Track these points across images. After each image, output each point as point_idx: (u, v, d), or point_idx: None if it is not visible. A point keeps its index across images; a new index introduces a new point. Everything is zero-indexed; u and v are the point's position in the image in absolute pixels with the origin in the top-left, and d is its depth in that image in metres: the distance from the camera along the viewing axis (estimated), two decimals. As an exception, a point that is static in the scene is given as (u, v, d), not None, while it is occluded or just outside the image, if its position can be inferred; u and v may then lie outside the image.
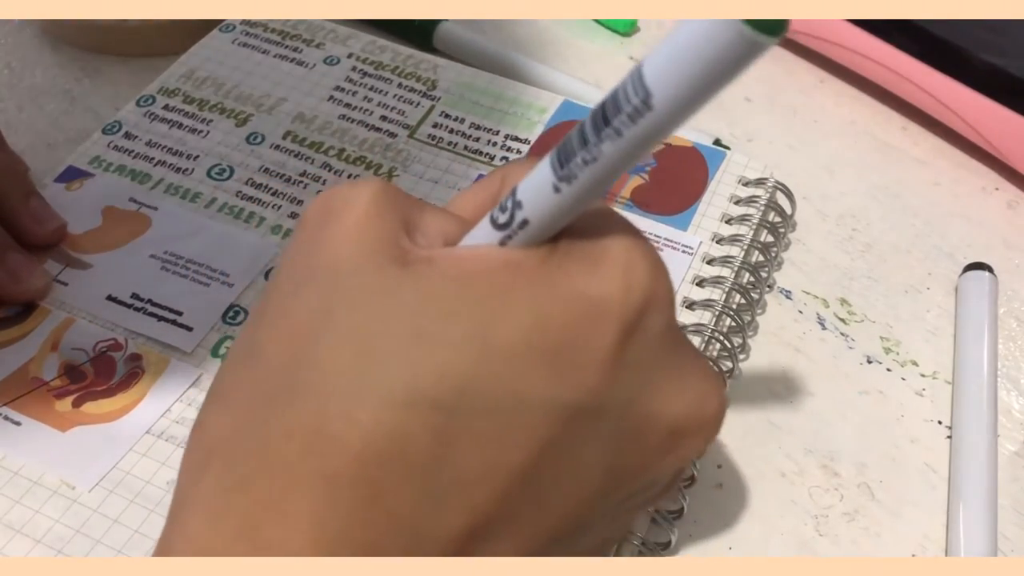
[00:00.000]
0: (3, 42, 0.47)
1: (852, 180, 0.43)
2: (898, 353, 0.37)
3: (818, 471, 0.33)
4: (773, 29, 0.17)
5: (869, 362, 0.36)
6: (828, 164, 0.44)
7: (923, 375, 0.36)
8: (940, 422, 0.35)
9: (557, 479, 0.22)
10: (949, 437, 0.34)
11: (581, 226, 0.22)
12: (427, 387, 0.20)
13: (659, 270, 0.22)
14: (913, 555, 0.31)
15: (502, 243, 0.22)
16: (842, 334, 0.37)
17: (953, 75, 0.43)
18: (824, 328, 0.37)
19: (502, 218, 0.22)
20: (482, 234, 0.23)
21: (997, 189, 0.43)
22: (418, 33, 0.47)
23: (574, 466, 0.22)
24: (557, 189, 0.21)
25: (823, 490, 0.32)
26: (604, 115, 0.19)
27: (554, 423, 0.21)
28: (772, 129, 0.45)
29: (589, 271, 0.22)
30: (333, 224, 0.22)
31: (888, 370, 0.36)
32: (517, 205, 0.22)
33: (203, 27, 0.45)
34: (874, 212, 0.42)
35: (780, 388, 0.35)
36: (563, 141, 0.21)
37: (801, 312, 0.38)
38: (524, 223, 0.22)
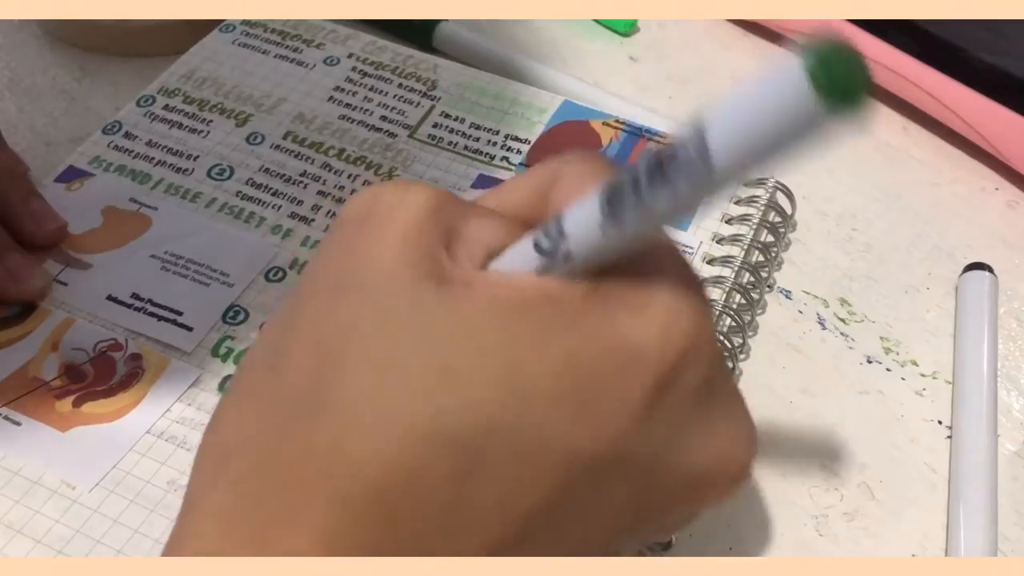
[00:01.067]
0: (3, 42, 0.47)
1: (852, 180, 0.43)
2: (898, 353, 0.37)
3: (818, 471, 0.33)
4: (846, 94, 0.16)
5: (869, 362, 0.36)
6: (828, 164, 0.44)
7: (923, 375, 0.36)
8: (940, 422, 0.35)
9: (574, 519, 0.21)
10: (949, 437, 0.34)
11: (629, 261, 0.22)
12: (451, 424, 0.20)
13: (703, 322, 0.22)
14: (913, 555, 0.31)
15: (543, 270, 0.22)
16: (842, 334, 0.37)
17: (953, 75, 0.43)
18: (824, 328, 0.37)
19: (546, 244, 0.21)
20: (523, 257, 0.22)
21: (997, 189, 0.43)
22: (418, 33, 0.47)
23: (592, 509, 0.22)
24: (604, 230, 0.20)
25: (823, 490, 0.32)
26: (661, 167, 0.19)
27: (574, 470, 0.21)
28: (772, 129, 0.45)
29: (630, 317, 0.21)
30: (373, 231, 0.22)
31: (888, 370, 0.36)
32: (562, 235, 0.21)
33: (203, 27, 0.45)
34: (874, 212, 0.42)
35: (780, 388, 0.35)
36: (614, 183, 0.20)
37: (801, 312, 0.38)
38: (568, 256, 0.21)
